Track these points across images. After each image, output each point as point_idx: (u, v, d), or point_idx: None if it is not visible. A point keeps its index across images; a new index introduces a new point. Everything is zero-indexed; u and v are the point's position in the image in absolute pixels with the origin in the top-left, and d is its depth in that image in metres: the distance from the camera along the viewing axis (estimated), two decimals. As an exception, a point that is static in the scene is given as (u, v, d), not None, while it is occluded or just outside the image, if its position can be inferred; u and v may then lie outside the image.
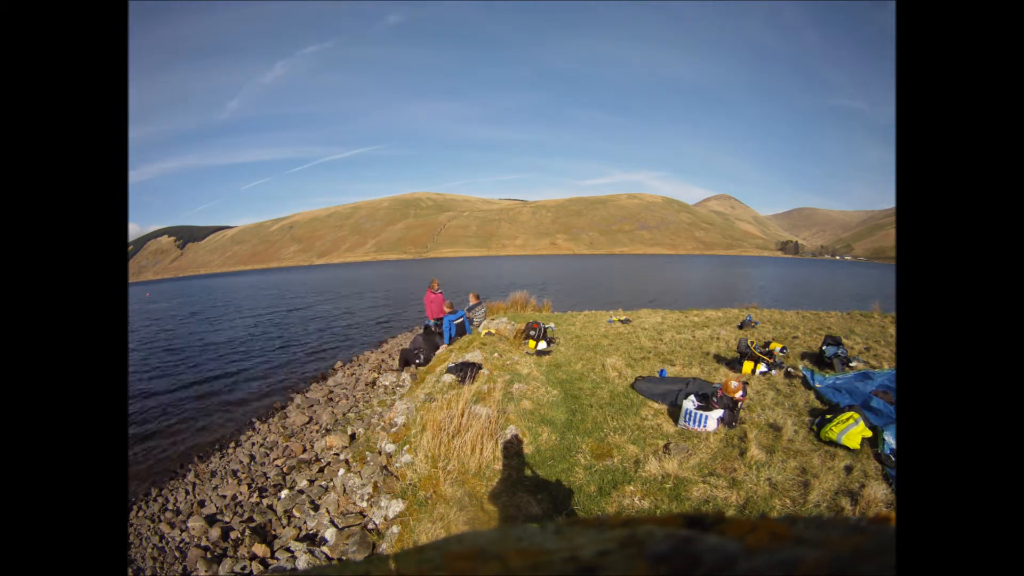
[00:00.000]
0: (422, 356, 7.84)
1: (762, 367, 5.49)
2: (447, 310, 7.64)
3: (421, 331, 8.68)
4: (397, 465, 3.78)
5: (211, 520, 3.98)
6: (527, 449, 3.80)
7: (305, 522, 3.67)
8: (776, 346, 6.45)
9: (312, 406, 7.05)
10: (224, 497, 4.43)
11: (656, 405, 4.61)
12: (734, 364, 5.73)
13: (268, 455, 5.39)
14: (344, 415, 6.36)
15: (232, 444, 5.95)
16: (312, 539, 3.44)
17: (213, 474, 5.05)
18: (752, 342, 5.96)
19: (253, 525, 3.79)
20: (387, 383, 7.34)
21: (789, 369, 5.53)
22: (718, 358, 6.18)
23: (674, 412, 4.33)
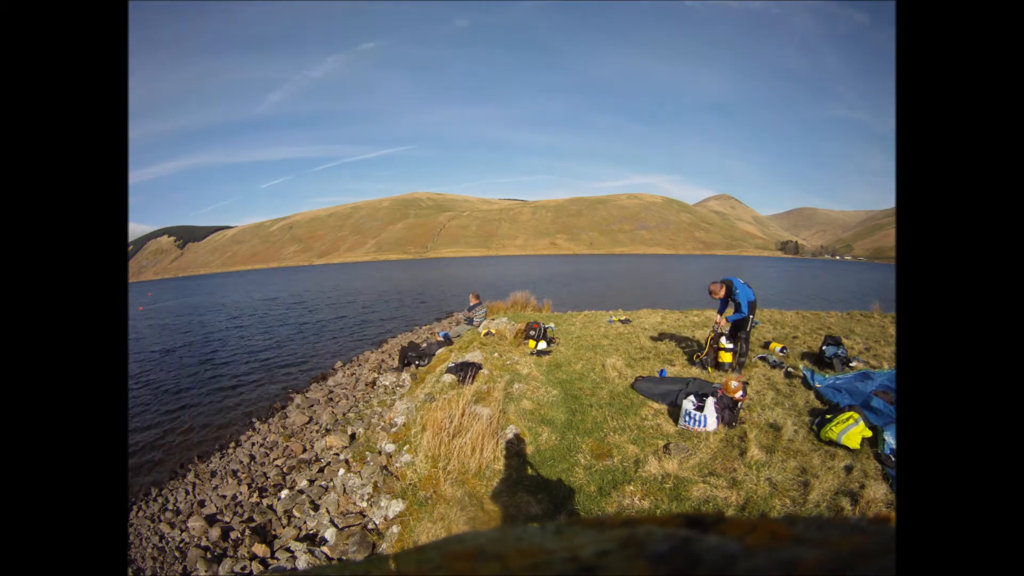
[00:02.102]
0: (427, 358, 7.84)
1: (727, 344, 5.49)
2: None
3: (439, 337, 8.63)
4: (397, 465, 3.78)
5: (211, 520, 3.98)
6: (527, 449, 3.80)
7: (305, 522, 3.67)
8: (776, 346, 6.46)
9: (312, 406, 7.05)
10: (224, 497, 4.43)
11: (656, 405, 4.61)
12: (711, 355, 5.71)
13: (268, 455, 5.39)
14: (344, 415, 6.36)
15: (232, 444, 5.95)
16: (312, 539, 3.44)
17: (213, 474, 5.05)
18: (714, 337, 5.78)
19: (253, 525, 3.79)
20: (387, 383, 7.34)
21: (789, 369, 5.53)
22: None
23: (674, 412, 4.33)
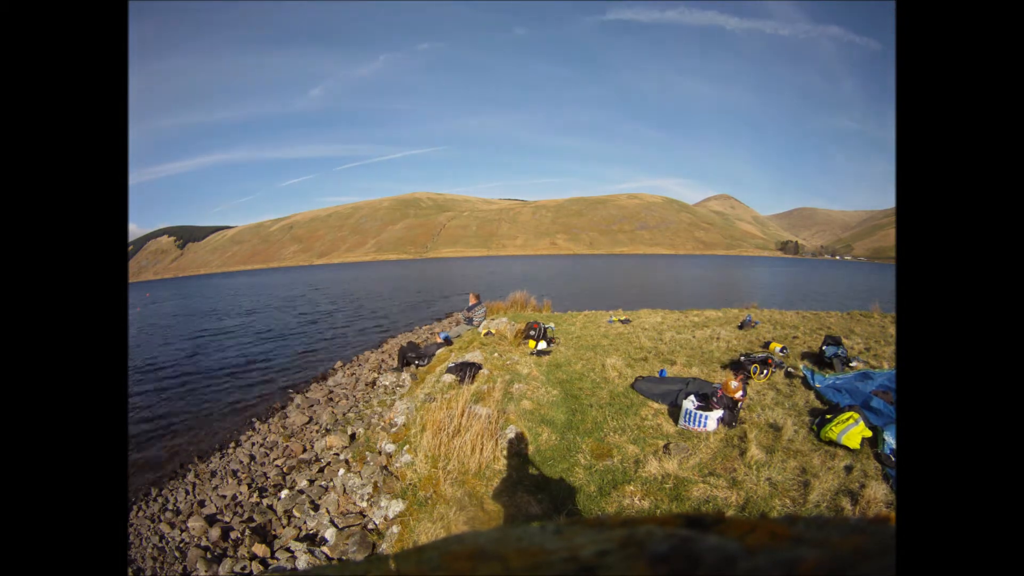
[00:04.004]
0: (427, 358, 7.82)
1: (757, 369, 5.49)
2: None
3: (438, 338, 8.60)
4: (397, 465, 3.78)
5: (211, 520, 3.97)
6: (527, 449, 3.80)
7: (305, 522, 3.67)
8: (776, 346, 6.46)
9: (312, 406, 7.05)
10: (224, 497, 4.42)
11: (656, 405, 4.61)
12: (734, 368, 5.70)
13: (268, 455, 5.39)
14: (344, 415, 6.36)
15: (232, 444, 5.95)
16: (312, 539, 3.44)
17: (213, 474, 5.04)
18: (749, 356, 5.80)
19: (253, 525, 3.78)
20: (387, 383, 7.33)
21: (789, 369, 5.53)
22: (724, 365, 6.16)
23: (674, 412, 4.33)
